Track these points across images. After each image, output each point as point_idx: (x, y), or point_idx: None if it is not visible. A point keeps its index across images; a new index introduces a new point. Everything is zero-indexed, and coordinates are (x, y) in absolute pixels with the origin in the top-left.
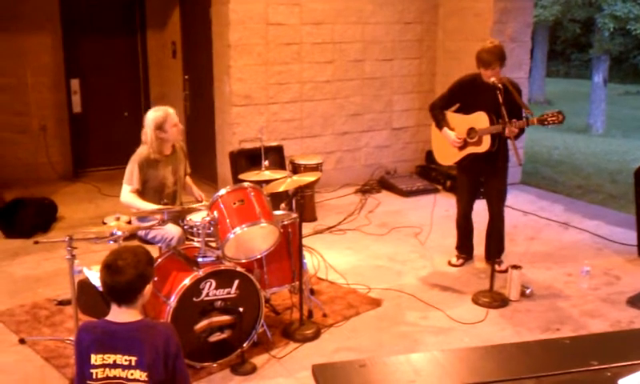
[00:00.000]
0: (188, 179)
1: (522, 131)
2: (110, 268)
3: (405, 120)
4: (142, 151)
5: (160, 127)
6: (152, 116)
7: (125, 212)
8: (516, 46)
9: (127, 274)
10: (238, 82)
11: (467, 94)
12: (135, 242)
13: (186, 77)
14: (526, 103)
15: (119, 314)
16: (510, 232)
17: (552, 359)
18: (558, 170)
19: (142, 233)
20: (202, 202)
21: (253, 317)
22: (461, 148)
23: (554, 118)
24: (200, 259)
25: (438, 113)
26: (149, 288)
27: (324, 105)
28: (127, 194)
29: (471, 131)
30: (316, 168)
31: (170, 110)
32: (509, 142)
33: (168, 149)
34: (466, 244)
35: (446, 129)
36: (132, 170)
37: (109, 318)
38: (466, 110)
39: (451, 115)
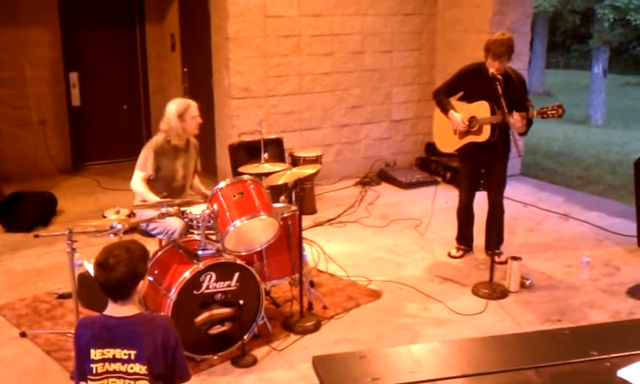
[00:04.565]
0: (196, 179)
1: (529, 125)
2: (101, 266)
3: (404, 112)
4: (157, 139)
5: (180, 116)
6: (174, 105)
7: (125, 205)
8: (515, 36)
9: (118, 272)
10: (236, 75)
11: (471, 83)
12: (135, 235)
13: (185, 69)
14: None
15: (116, 309)
16: (509, 223)
17: (551, 350)
18: (557, 161)
19: (143, 225)
20: None
21: (253, 309)
22: (461, 136)
23: (553, 112)
24: (200, 252)
25: (442, 98)
26: (142, 284)
27: (323, 97)
28: (139, 181)
29: (472, 120)
30: (315, 160)
31: (192, 103)
32: (510, 132)
33: (183, 140)
34: (466, 234)
35: (452, 112)
36: (147, 155)
37: (107, 312)
38: (469, 98)
39: (454, 103)
